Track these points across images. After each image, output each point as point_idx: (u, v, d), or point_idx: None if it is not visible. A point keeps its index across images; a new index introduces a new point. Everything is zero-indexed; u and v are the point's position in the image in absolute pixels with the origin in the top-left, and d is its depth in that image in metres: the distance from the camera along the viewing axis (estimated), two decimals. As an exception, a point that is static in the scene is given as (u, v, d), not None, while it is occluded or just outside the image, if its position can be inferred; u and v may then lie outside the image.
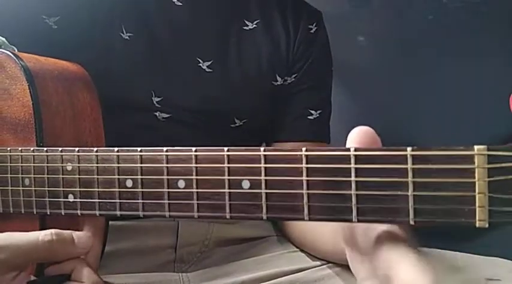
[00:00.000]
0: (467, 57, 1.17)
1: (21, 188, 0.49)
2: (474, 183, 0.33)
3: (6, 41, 0.58)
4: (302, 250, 0.71)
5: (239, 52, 0.73)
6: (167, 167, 0.43)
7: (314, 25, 0.78)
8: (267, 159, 0.39)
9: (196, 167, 0.41)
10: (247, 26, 0.75)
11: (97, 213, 0.46)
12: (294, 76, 0.77)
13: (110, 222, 0.56)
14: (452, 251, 0.62)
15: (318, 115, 0.77)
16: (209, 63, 0.71)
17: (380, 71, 1.25)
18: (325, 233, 0.62)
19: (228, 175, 0.40)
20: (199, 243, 0.69)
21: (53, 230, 0.45)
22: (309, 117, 0.77)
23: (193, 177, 0.41)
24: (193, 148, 0.42)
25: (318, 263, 0.65)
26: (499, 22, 1.17)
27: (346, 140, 0.39)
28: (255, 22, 0.75)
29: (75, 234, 0.46)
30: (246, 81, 0.73)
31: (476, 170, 0.33)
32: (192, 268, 0.69)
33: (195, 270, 0.68)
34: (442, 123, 1.17)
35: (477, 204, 0.33)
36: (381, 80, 1.24)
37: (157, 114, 0.69)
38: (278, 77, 0.76)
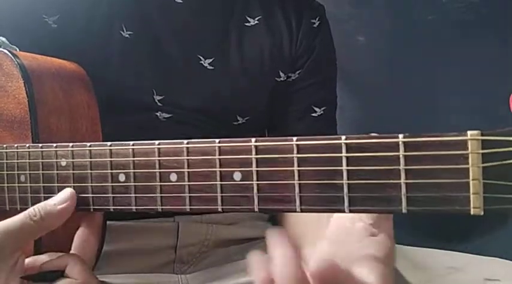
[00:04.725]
0: (467, 57, 1.16)
1: (17, 184, 0.49)
2: (468, 169, 0.32)
3: (6, 41, 0.59)
4: None
5: (241, 49, 0.73)
6: (159, 160, 0.42)
7: (317, 19, 0.77)
8: (258, 150, 0.38)
9: (188, 159, 0.41)
10: (249, 22, 0.74)
11: (91, 208, 0.46)
12: (297, 72, 0.76)
13: (110, 222, 0.56)
14: (452, 251, 0.61)
15: (322, 112, 0.76)
16: (210, 60, 0.71)
17: (380, 71, 1.25)
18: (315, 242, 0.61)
19: (220, 167, 0.40)
20: (199, 244, 0.68)
21: (34, 206, 0.46)
22: (312, 115, 0.76)
23: (185, 169, 0.41)
24: (185, 141, 0.41)
25: None
26: (499, 22, 1.16)
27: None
28: (257, 18, 0.74)
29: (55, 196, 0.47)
30: (248, 77, 0.72)
31: (470, 156, 0.32)
32: (191, 268, 0.68)
33: (195, 271, 0.68)
34: (441, 122, 1.16)
35: (471, 191, 0.32)
36: (381, 80, 1.24)
37: (158, 114, 0.69)
38: (281, 73, 0.75)
